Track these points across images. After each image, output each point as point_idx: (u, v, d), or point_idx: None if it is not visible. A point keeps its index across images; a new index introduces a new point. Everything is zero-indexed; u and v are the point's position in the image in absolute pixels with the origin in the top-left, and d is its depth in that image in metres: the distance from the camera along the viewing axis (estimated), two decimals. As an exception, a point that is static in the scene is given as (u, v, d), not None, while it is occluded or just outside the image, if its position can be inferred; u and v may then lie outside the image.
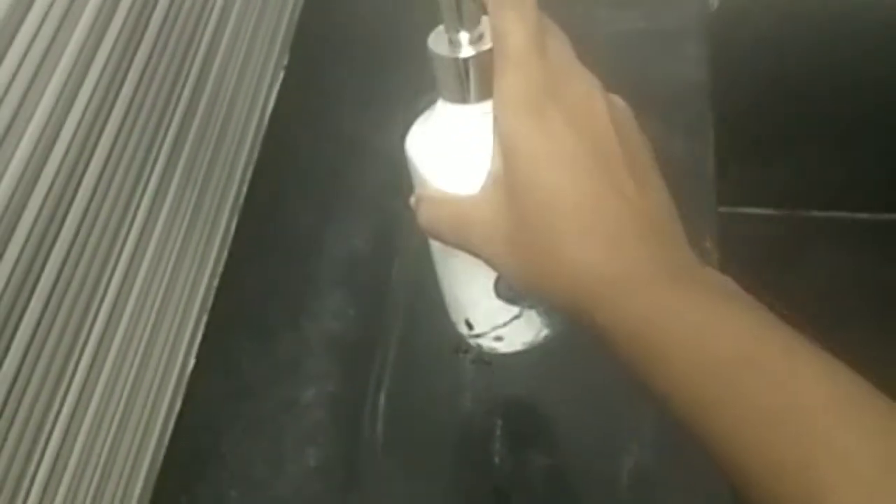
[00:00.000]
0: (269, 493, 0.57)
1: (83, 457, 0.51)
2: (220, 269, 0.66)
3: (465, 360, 0.61)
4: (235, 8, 0.67)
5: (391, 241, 0.67)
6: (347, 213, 0.68)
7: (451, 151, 0.40)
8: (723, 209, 1.10)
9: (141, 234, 0.55)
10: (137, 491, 0.57)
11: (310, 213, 0.68)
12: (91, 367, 0.51)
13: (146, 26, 0.54)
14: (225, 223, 0.67)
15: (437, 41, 0.38)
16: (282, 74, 0.76)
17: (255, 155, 0.71)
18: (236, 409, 0.60)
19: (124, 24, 0.52)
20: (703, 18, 0.76)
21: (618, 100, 0.38)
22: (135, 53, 0.53)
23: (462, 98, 0.39)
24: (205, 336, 0.64)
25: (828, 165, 0.97)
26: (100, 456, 0.53)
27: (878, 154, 0.95)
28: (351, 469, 0.57)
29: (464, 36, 0.37)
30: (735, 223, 1.04)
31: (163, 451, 0.59)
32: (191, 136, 0.61)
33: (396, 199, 0.69)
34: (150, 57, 0.55)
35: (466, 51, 0.37)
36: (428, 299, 0.65)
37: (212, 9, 0.64)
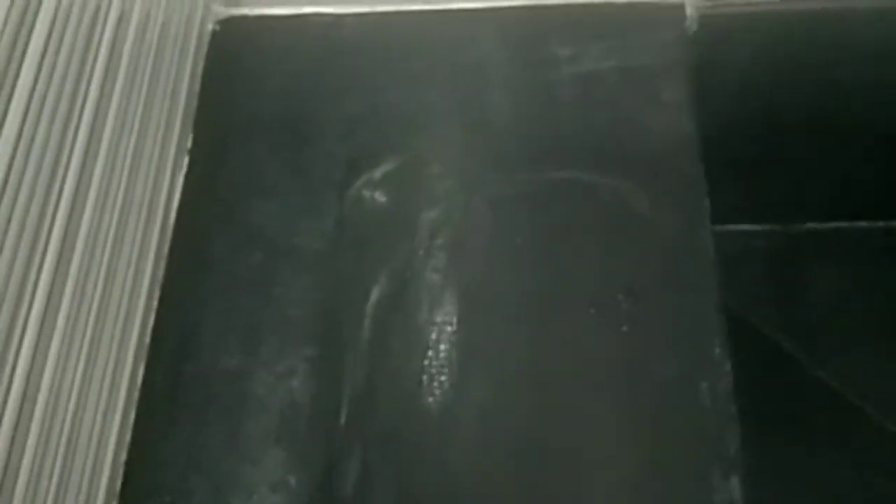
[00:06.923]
0: None
1: None
2: (128, 437, 0.52)
3: None
4: (117, 88, 0.53)
5: (337, 381, 0.54)
6: (279, 347, 0.55)
7: None
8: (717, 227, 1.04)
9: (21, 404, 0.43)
10: None
11: (234, 350, 0.55)
12: None
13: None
14: (129, 372, 0.53)
15: None
16: (186, 160, 0.62)
17: (161, 272, 0.57)
18: None
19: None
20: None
21: None
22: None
23: None
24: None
25: (820, 177, 0.93)
26: None
27: (871, 161, 0.92)
28: None
29: None
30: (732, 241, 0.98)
31: None
32: (74, 268, 0.47)
33: (338, 321, 0.56)
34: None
35: None
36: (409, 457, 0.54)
37: (84, 104, 0.50)
